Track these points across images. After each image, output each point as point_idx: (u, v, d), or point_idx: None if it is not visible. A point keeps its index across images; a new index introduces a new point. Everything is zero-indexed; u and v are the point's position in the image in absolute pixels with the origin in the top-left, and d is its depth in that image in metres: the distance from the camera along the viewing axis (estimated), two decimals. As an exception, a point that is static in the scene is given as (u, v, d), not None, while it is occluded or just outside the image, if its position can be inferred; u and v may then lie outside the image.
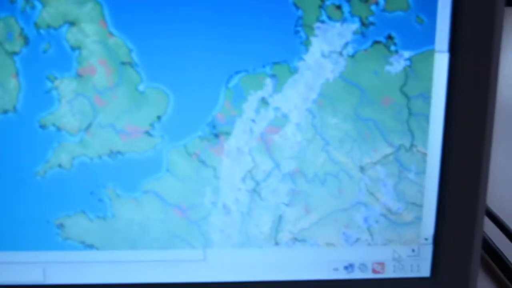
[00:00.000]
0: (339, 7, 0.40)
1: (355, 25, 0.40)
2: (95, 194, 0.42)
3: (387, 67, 0.41)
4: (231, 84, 0.40)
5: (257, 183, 0.42)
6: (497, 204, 0.61)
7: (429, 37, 0.40)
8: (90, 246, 0.43)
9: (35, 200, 0.42)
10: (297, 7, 0.40)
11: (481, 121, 0.42)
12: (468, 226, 0.43)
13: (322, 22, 0.40)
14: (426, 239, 0.44)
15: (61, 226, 0.43)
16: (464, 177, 0.42)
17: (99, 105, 0.41)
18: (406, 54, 0.41)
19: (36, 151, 0.41)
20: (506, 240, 0.57)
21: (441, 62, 0.41)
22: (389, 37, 0.40)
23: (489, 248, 0.56)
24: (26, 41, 0.40)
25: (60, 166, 0.42)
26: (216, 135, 0.41)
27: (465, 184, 0.42)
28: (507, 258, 0.54)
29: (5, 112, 0.40)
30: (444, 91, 0.41)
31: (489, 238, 0.56)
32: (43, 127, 0.41)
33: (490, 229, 0.58)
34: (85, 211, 0.42)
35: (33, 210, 0.42)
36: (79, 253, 0.43)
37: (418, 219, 0.43)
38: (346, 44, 0.40)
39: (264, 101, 0.41)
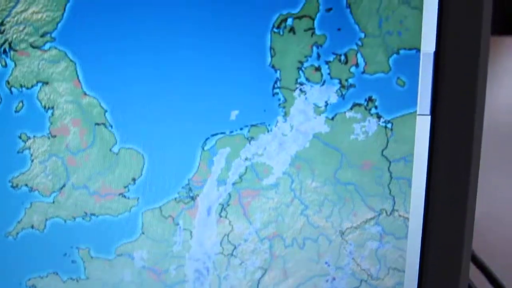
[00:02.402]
0: (318, 69, 0.36)
1: (334, 87, 0.36)
2: (68, 255, 0.38)
3: (368, 130, 0.36)
4: (207, 146, 0.36)
5: (235, 247, 0.38)
6: (481, 246, 0.57)
7: (411, 100, 0.36)
8: (63, 309, 0.39)
9: (6, 260, 0.38)
10: (275, 68, 0.36)
11: (464, 185, 0.37)
12: (451, 291, 0.38)
13: (301, 84, 0.36)
14: (408, 305, 0.39)
15: (33, 287, 0.38)
16: (447, 243, 0.38)
17: (72, 166, 0.37)
18: (387, 116, 0.36)
19: (7, 212, 0.37)
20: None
21: (423, 125, 0.37)
22: (370, 100, 0.36)
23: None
24: (-2, 100, 0.36)
25: (32, 226, 0.37)
26: (192, 198, 0.37)
27: (448, 250, 0.38)
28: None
29: (-24, 172, 0.36)
30: (426, 154, 0.37)
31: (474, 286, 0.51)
32: (15, 187, 0.37)
33: (475, 275, 0.53)
34: (58, 272, 0.38)
35: (4, 271, 0.38)
36: (51, 315, 0.39)
37: (400, 284, 0.39)
38: (326, 106, 0.36)
39: (241, 164, 0.37)
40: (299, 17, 0.35)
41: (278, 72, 0.36)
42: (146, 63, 0.35)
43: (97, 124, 0.36)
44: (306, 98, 0.36)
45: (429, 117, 0.36)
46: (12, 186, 0.37)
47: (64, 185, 0.37)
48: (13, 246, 0.38)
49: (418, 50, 0.35)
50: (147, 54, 0.36)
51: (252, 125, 0.36)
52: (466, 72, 0.36)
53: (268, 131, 0.36)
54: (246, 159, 0.36)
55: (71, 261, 0.38)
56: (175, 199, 0.37)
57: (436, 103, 0.36)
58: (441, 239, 0.38)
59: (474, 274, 0.54)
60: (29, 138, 0.36)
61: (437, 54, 0.36)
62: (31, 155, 0.36)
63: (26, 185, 0.37)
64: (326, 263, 0.38)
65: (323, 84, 0.36)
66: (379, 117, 0.36)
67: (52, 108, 0.36)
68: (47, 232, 0.38)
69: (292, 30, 0.35)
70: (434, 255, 0.38)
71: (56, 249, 0.38)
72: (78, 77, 0.36)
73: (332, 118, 0.36)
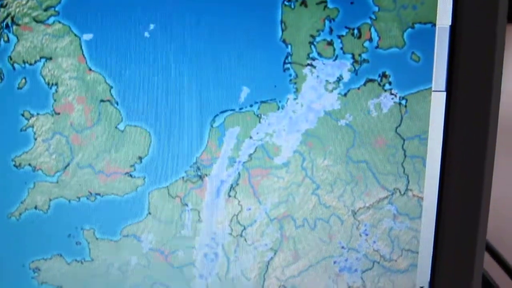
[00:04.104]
0: (330, 44, 0.34)
1: (347, 62, 0.34)
2: (72, 236, 0.36)
3: (381, 107, 0.35)
4: (216, 124, 0.35)
5: (244, 228, 0.36)
6: (495, 237, 0.55)
7: (426, 76, 0.35)
8: (68, 292, 0.37)
9: (9, 242, 0.36)
10: (286, 43, 0.34)
11: (480, 164, 0.36)
12: (466, 274, 0.37)
13: (313, 59, 0.34)
14: (421, 287, 0.38)
15: (37, 269, 0.37)
16: (462, 223, 0.36)
17: (77, 144, 0.35)
18: (401, 93, 0.35)
19: (10, 192, 0.36)
20: (506, 277, 0.50)
21: (438, 102, 0.35)
22: (383, 75, 0.35)
23: (488, 285, 0.49)
24: (0, 76, 0.34)
25: (36, 207, 0.36)
26: (201, 177, 0.35)
27: (464, 230, 0.36)
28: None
29: (-23, 151, 0.35)
30: (441, 132, 0.35)
31: (489, 275, 0.50)
32: (18, 166, 0.35)
33: (489, 265, 0.52)
34: (62, 254, 0.37)
35: (7, 253, 0.37)
36: (56, 298, 0.37)
37: (414, 266, 0.37)
38: (338, 82, 0.35)
39: (251, 142, 0.35)
40: (311, -10, 0.34)
41: (289, 46, 0.34)
42: (152, 38, 0.34)
43: (103, 101, 0.35)
44: (318, 74, 0.35)
45: (444, 94, 0.35)
46: (15, 166, 0.35)
47: (68, 164, 0.35)
48: (16, 228, 0.36)
49: (434, 24, 0.34)
50: (154, 29, 0.34)
51: (262, 102, 0.35)
52: (483, 47, 0.34)
53: (278, 108, 0.35)
54: (256, 137, 0.35)
55: (76, 243, 0.36)
56: (183, 178, 0.35)
57: (452, 79, 0.35)
58: (456, 219, 0.36)
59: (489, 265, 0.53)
60: (32, 115, 0.35)
61: (453, 28, 0.34)
62: (35, 133, 0.35)
63: (30, 164, 0.35)
64: (337, 244, 0.37)
65: (335, 59, 0.34)
66: (393, 93, 0.35)
67: (56, 84, 0.35)
68: (51, 213, 0.36)
69: (303, 3, 0.34)
70: (449, 235, 0.36)
71: (60, 230, 0.36)
72: (82, 52, 0.34)
73: (345, 95, 0.35)
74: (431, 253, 0.37)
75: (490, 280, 0.49)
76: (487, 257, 0.52)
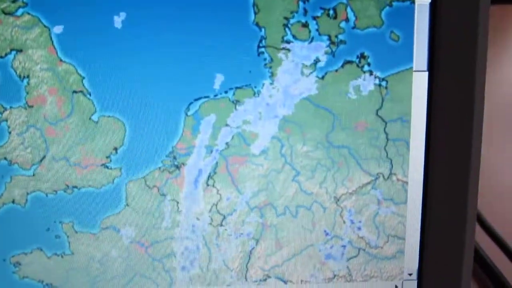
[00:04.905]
0: (305, 25, 0.33)
1: (323, 44, 0.33)
2: (51, 230, 0.36)
3: (361, 89, 0.34)
4: (191, 112, 0.34)
5: (224, 217, 0.36)
6: (487, 211, 0.54)
7: (406, 55, 0.34)
8: (49, 285, 0.37)
9: (-11, 238, 0.36)
10: (259, 26, 0.33)
11: (467, 145, 0.35)
12: (456, 259, 0.36)
13: (288, 42, 0.33)
14: (410, 274, 0.37)
15: (17, 264, 0.37)
16: (450, 206, 0.35)
17: (51, 137, 0.35)
18: (381, 74, 0.34)
19: (-13, 187, 0.35)
20: (500, 251, 0.49)
21: (420, 82, 0.34)
22: (362, 56, 0.34)
23: (481, 259, 0.48)
24: (-29, 70, 0.34)
25: (13, 201, 0.35)
26: (177, 166, 0.35)
27: (452, 214, 0.35)
28: (500, 272, 0.46)
29: (-49, 146, 0.35)
30: (424, 113, 0.34)
31: (481, 248, 0.48)
32: (-7, 161, 0.35)
33: (482, 238, 0.51)
34: (42, 248, 0.36)
35: (-12, 249, 0.36)
36: (38, 293, 0.37)
37: (401, 252, 0.36)
38: (315, 65, 0.34)
39: (227, 130, 0.34)
40: (283, -30, 0.33)
41: (263, 30, 0.33)
42: (123, 25, 0.33)
43: (75, 92, 0.34)
44: (293, 57, 0.34)
45: (426, 73, 0.34)
46: (-10, 160, 0.35)
47: (44, 157, 0.35)
48: (-5, 222, 0.36)
49: (413, 1, 0.33)
50: (125, 18, 0.33)
51: (237, 88, 0.34)
52: (466, 23, 0.33)
53: (254, 94, 0.34)
54: (232, 124, 0.34)
55: (55, 236, 0.36)
56: (160, 168, 0.35)
57: (433, 58, 0.34)
58: (443, 203, 0.35)
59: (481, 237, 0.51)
60: (5, 109, 0.34)
61: (434, 5, 0.33)
62: (9, 127, 0.35)
63: (5, 158, 0.35)
64: (321, 232, 0.36)
65: (311, 41, 0.33)
66: (372, 75, 0.34)
67: (28, 77, 0.34)
68: (28, 207, 0.36)
69: (276, -16, 0.33)
70: (436, 220, 0.35)
71: (39, 224, 0.36)
72: (52, 43, 0.34)
73: (322, 78, 0.34)
74: (419, 238, 0.36)
75: (483, 254, 0.48)
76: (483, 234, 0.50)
